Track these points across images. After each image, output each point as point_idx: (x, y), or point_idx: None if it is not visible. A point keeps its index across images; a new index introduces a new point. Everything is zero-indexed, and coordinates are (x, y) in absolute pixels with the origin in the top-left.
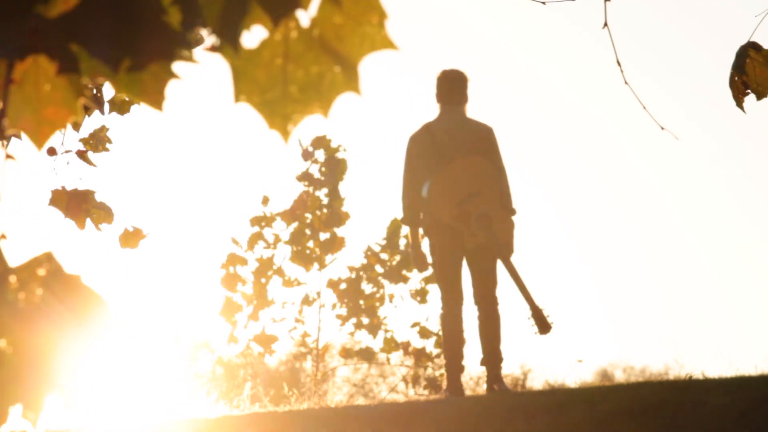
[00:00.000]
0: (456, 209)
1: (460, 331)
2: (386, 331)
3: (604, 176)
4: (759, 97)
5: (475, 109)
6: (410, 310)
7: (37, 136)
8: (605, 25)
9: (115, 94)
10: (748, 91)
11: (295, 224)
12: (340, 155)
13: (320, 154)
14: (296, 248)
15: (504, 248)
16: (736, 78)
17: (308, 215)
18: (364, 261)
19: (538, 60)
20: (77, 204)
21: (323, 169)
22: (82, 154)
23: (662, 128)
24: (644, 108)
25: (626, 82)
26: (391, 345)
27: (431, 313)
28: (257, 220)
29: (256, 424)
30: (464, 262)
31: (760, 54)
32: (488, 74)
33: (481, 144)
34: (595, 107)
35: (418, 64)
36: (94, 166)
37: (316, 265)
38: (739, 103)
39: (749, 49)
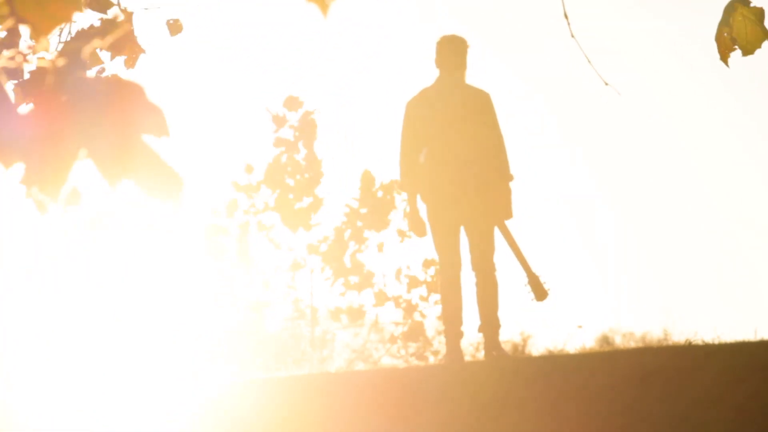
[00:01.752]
0: (453, 175)
1: (458, 297)
2: (373, 284)
3: (600, 141)
4: (745, 53)
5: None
6: (395, 257)
7: (40, 29)
8: None
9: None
10: (736, 47)
11: (278, 191)
12: (313, 117)
13: (292, 116)
14: (284, 213)
15: (501, 214)
16: (725, 34)
17: (290, 181)
18: (345, 219)
19: (482, 16)
20: None
21: (297, 134)
22: None
23: (606, 83)
24: (589, 62)
25: (572, 35)
26: (381, 298)
27: (413, 260)
28: (241, 188)
29: (257, 389)
30: (462, 229)
31: (750, 11)
32: (414, 53)
33: (478, 110)
34: (524, 86)
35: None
36: None
37: (300, 229)
38: (724, 58)
39: (737, 5)
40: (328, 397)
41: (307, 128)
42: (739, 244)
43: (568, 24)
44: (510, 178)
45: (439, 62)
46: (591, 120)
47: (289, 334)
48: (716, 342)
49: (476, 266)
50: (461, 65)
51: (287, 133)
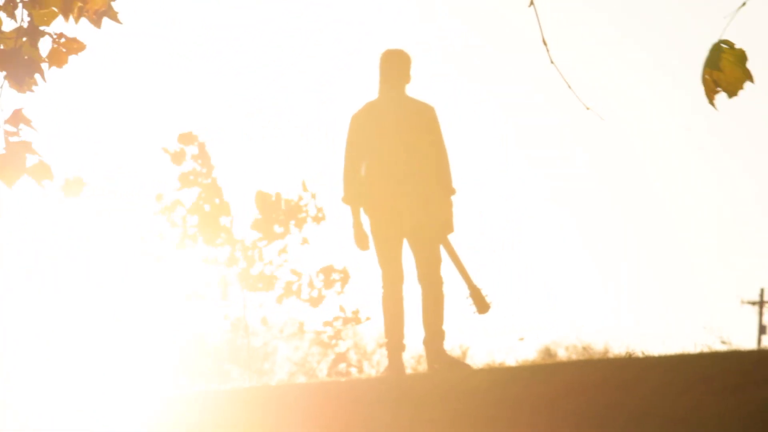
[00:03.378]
0: (394, 188)
1: (400, 311)
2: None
3: (551, 155)
4: (730, 95)
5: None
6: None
7: None
8: (531, 3)
9: (51, 49)
10: (719, 89)
11: (196, 216)
12: (206, 149)
13: (190, 150)
14: (205, 235)
15: (441, 228)
16: (707, 76)
17: (207, 206)
18: (259, 236)
19: (463, 37)
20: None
21: (199, 161)
22: (17, 114)
23: (587, 108)
24: (569, 87)
25: (552, 62)
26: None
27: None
28: (158, 211)
29: (199, 402)
30: (406, 243)
31: (732, 53)
32: (415, 53)
33: (421, 123)
34: (525, 86)
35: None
36: (29, 122)
37: (227, 249)
38: (711, 100)
39: (720, 47)
40: (267, 411)
41: (204, 160)
42: (680, 256)
43: (548, 50)
44: (452, 191)
45: (383, 76)
46: (540, 123)
47: (229, 347)
48: (656, 354)
49: (423, 279)
50: (404, 78)
51: (189, 166)
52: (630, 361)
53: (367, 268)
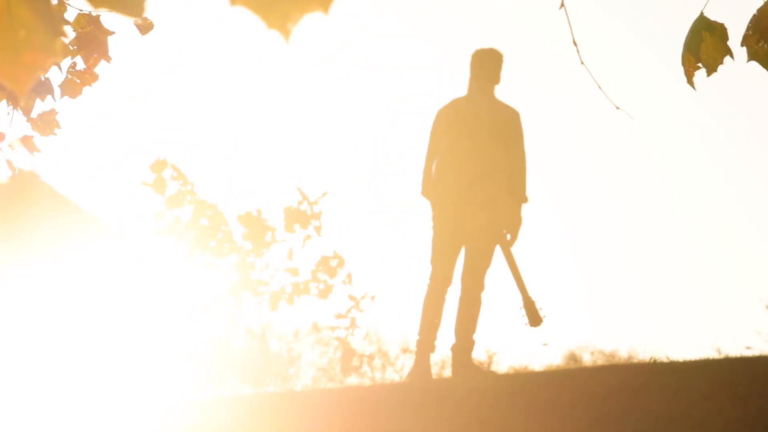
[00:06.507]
0: (459, 190)
1: (439, 313)
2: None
3: (574, 160)
4: (709, 71)
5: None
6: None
7: (17, 83)
8: (562, 5)
9: (65, 79)
10: (699, 65)
11: (194, 231)
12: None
13: (167, 173)
14: (210, 246)
15: (501, 235)
16: (687, 52)
17: (204, 220)
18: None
19: (493, 40)
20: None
21: (181, 182)
22: (27, 140)
23: (617, 107)
24: (599, 88)
25: (582, 62)
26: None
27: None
28: (167, 227)
29: (221, 407)
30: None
31: (713, 28)
32: (445, 58)
33: (501, 126)
34: (551, 87)
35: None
36: (38, 151)
37: (234, 257)
38: (690, 79)
39: (700, 24)
40: (292, 416)
41: (184, 180)
42: (706, 260)
43: (578, 51)
44: (523, 200)
45: (472, 74)
46: (547, 124)
47: (249, 353)
48: (681, 360)
49: (465, 278)
50: (491, 79)
51: (174, 188)
52: (654, 366)
53: (367, 257)
